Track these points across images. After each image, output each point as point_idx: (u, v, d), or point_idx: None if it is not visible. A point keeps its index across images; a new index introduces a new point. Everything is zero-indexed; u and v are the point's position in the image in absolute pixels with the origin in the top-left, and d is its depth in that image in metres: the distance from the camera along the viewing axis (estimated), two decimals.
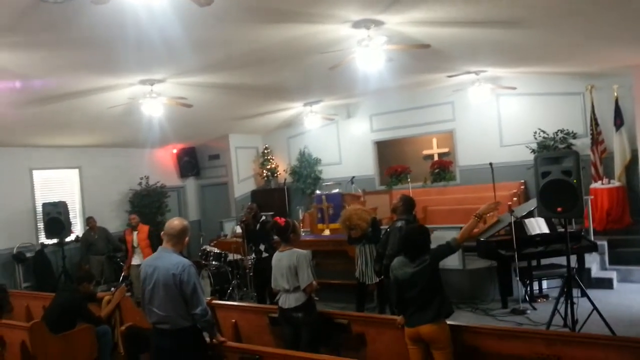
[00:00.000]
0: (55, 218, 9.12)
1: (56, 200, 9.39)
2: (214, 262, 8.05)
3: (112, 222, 10.50)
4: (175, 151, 12.88)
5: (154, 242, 8.02)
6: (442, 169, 10.83)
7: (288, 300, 4.20)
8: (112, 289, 6.22)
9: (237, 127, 11.87)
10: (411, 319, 3.75)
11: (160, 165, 12.54)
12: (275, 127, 12.51)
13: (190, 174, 13.01)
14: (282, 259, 4.27)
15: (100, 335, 4.92)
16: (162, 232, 3.62)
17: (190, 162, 12.85)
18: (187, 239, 3.62)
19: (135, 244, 8.09)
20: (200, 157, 13.02)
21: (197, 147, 12.90)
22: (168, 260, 3.47)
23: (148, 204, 11.43)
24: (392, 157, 11.93)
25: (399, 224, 5.16)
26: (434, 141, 11.58)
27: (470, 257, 7.26)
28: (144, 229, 8.22)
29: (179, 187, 12.98)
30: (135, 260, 8.05)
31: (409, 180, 10.41)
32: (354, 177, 10.16)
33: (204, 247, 8.62)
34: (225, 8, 4.25)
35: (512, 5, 4.77)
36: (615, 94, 8.25)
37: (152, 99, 6.82)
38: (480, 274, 7.11)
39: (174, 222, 3.62)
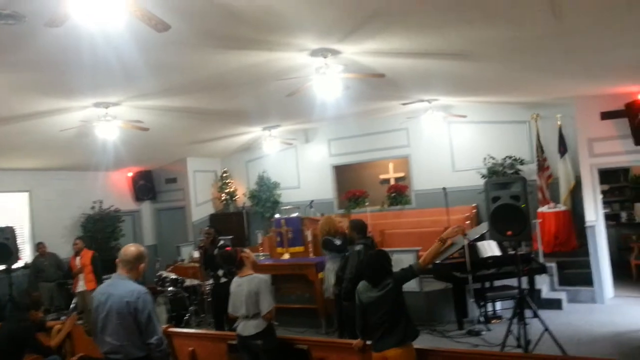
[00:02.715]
0: (2, 244, 8.68)
1: (3, 226, 8.97)
2: (170, 288, 7.87)
3: (63, 247, 10.09)
4: (130, 174, 12.60)
5: (97, 267, 7.99)
6: (399, 193, 11.06)
7: (247, 328, 4.16)
8: (63, 317, 5.97)
9: (195, 150, 11.77)
10: (378, 344, 3.78)
11: (115, 188, 12.23)
12: (233, 151, 12.48)
13: (146, 198, 12.73)
14: (242, 284, 4.25)
15: None
16: (117, 259, 3.54)
17: (146, 186, 12.59)
18: (143, 265, 3.53)
19: (78, 270, 7.97)
20: (157, 180, 12.78)
21: (153, 171, 12.68)
22: (122, 287, 3.39)
23: (101, 229, 11.09)
24: (350, 181, 12.10)
25: (358, 247, 5.24)
26: (391, 166, 11.85)
27: (426, 279, 7.41)
28: (87, 254, 8.10)
29: (134, 211, 12.66)
30: (79, 287, 7.95)
31: (366, 204, 10.57)
32: (312, 201, 10.24)
33: (160, 272, 8.42)
34: (184, 33, 4.28)
35: (462, 40, 5.02)
36: (559, 123, 8.73)
37: (107, 122, 6.71)
38: (436, 296, 7.26)
39: (130, 248, 3.54)
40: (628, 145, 7.47)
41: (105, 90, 6.07)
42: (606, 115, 7.73)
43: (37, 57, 4.55)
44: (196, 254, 8.66)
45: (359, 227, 5.46)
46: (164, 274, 8.19)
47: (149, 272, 9.79)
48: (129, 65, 4.91)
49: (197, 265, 8.07)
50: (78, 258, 8.02)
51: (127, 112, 7.02)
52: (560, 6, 3.90)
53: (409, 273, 3.94)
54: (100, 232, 11.03)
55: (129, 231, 12.09)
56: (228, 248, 4.81)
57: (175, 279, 7.95)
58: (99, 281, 7.41)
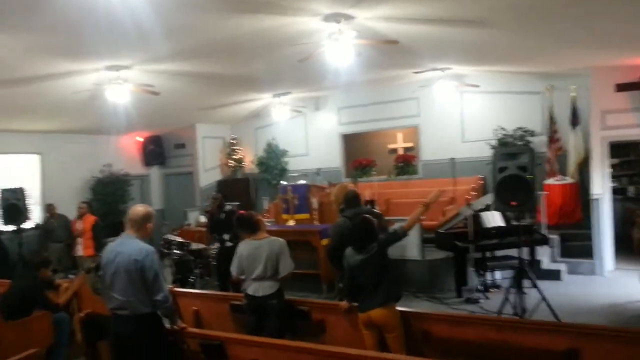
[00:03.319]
0: (14, 204, 8.85)
1: (14, 187, 9.13)
2: (176, 251, 8.02)
3: (73, 210, 10.21)
4: (140, 139, 12.68)
5: (98, 235, 7.95)
6: (406, 163, 11.05)
7: (262, 288, 4.26)
8: (71, 276, 6.14)
9: (204, 116, 11.78)
10: (363, 305, 3.94)
11: (125, 152, 12.34)
12: (243, 118, 12.47)
13: (155, 163, 12.84)
14: (262, 246, 4.32)
15: (57, 322, 4.86)
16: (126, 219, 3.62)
17: (156, 151, 12.69)
18: (150, 225, 3.62)
19: (77, 234, 7.96)
20: (166, 145, 12.86)
21: (162, 136, 12.75)
22: (131, 246, 3.48)
23: (110, 192, 11.25)
24: (358, 150, 12.09)
25: (340, 221, 5.32)
26: (399, 136, 11.80)
27: (429, 248, 7.49)
28: (89, 219, 8.08)
29: (143, 175, 12.80)
30: (76, 252, 7.95)
31: (373, 173, 10.58)
32: (319, 169, 10.27)
33: (166, 236, 8.56)
34: None
35: (477, 5, 4.93)
36: (573, 94, 8.60)
37: (118, 85, 6.72)
38: (437, 264, 7.36)
39: (138, 208, 3.63)
40: None
41: (118, 53, 6.06)
42: (621, 87, 7.60)
43: (51, 19, 4.55)
44: (203, 219, 8.78)
45: (347, 199, 5.51)
46: (171, 237, 8.32)
47: (156, 235, 9.99)
48: (143, 27, 4.88)
49: (203, 229, 8.19)
50: (80, 222, 8.05)
51: (139, 75, 7.02)
52: None
53: (393, 237, 4.13)
54: (110, 196, 11.18)
55: (138, 195, 12.25)
56: (242, 212, 4.87)
57: (181, 242, 8.08)
58: (98, 249, 7.40)
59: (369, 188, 9.80)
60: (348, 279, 4.13)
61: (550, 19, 5.38)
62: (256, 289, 4.28)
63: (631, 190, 10.14)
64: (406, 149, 11.67)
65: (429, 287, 7.15)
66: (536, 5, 4.87)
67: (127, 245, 3.50)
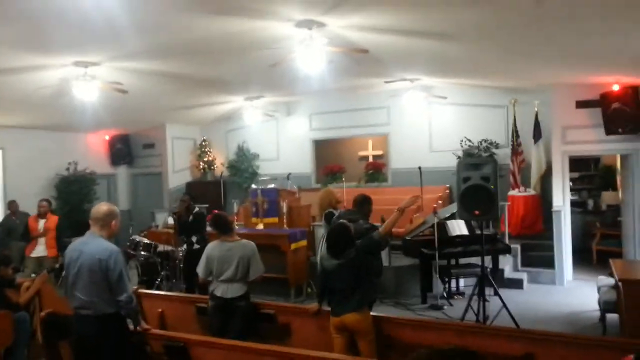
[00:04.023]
0: None
1: None
2: (142, 253, 7.91)
3: (36, 207, 10.01)
4: (107, 137, 12.45)
5: (60, 234, 7.56)
6: (376, 171, 11.20)
7: (231, 290, 4.27)
8: (33, 274, 5.98)
9: (174, 117, 11.66)
10: (336, 309, 3.93)
11: (91, 151, 12.09)
12: (214, 120, 12.40)
13: (122, 162, 12.62)
14: (234, 248, 4.33)
15: (18, 322, 4.74)
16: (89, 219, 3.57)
17: (123, 150, 12.47)
18: (115, 223, 3.58)
19: (39, 233, 7.42)
20: (134, 145, 12.66)
21: (131, 135, 12.54)
22: (95, 245, 3.44)
23: (75, 191, 11.00)
24: (329, 156, 12.19)
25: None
26: (370, 143, 11.96)
27: (395, 255, 7.62)
28: (53, 218, 7.67)
29: (109, 174, 12.56)
30: (36, 252, 7.39)
31: (343, 179, 10.69)
32: (290, 173, 10.30)
33: (133, 237, 8.43)
34: None
35: (445, 20, 5.07)
36: (536, 109, 8.91)
37: (86, 82, 6.60)
38: (404, 271, 7.49)
39: (101, 206, 3.59)
40: (599, 135, 7.71)
41: (86, 48, 5.94)
42: (581, 104, 7.94)
43: (16, 10, 4.44)
44: (170, 221, 8.68)
45: (355, 202, 5.41)
46: (137, 238, 8.20)
47: (123, 236, 9.82)
48: (113, 22, 4.80)
49: (170, 231, 8.10)
50: (42, 221, 7.54)
51: (107, 72, 6.89)
52: None
53: (371, 242, 4.10)
54: (74, 194, 10.93)
55: (104, 195, 12.00)
56: (216, 211, 4.89)
57: (148, 243, 7.97)
58: (60, 249, 7.11)
59: (339, 194, 9.86)
60: (321, 283, 4.13)
61: (515, 37, 5.59)
62: (225, 290, 4.29)
63: (590, 203, 10.54)
64: (376, 157, 11.83)
65: (395, 294, 7.27)
66: (501, 23, 5.05)
67: (91, 244, 3.45)
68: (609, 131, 7.52)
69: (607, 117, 7.50)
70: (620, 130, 7.42)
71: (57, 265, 5.59)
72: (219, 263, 4.32)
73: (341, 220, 4.30)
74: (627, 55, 6.02)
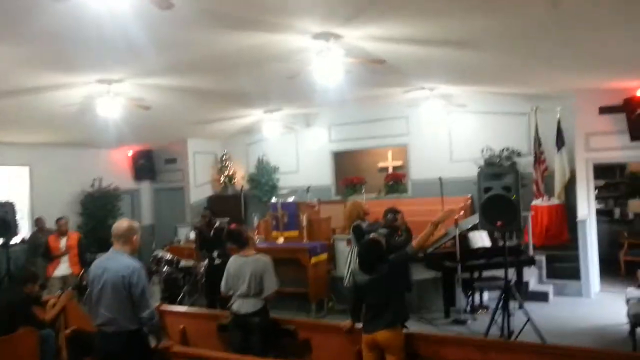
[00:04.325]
0: (2, 218, 8.78)
1: (3, 200, 9.05)
2: (165, 268, 7.99)
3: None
4: (131, 153, 12.68)
5: (83, 251, 7.55)
6: (396, 182, 11.14)
7: (245, 306, 4.28)
8: (59, 291, 6.09)
9: (196, 131, 11.82)
10: (368, 326, 3.87)
11: (115, 167, 12.32)
12: (234, 134, 12.52)
13: (145, 177, 12.82)
14: (246, 264, 4.34)
15: (43, 339, 4.82)
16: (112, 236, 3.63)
17: (146, 165, 12.67)
18: (136, 238, 3.64)
19: (62, 252, 7.34)
20: (157, 160, 12.86)
21: (153, 150, 12.75)
22: (118, 261, 3.50)
23: (100, 207, 11.20)
24: (348, 168, 12.17)
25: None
26: (389, 154, 11.91)
27: (417, 268, 7.52)
28: (74, 235, 7.67)
29: (133, 190, 12.76)
30: (59, 271, 7.28)
31: (363, 191, 10.65)
32: (309, 186, 10.31)
33: (156, 252, 8.53)
34: (187, 12, 4.30)
35: (462, 28, 5.05)
36: (558, 116, 8.75)
37: (110, 99, 6.75)
38: (426, 284, 7.38)
39: (122, 223, 3.66)
40: (624, 141, 7.53)
41: (109, 66, 6.09)
42: (604, 110, 7.77)
43: (42, 31, 4.57)
44: (192, 235, 8.76)
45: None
46: (160, 253, 8.30)
47: (145, 251, 9.96)
48: (134, 42, 4.92)
49: (193, 246, 8.17)
50: (64, 239, 7.46)
51: (130, 89, 7.04)
52: None
53: (404, 256, 4.06)
54: (99, 210, 11.13)
55: (128, 210, 12.20)
56: (232, 225, 4.95)
57: (170, 259, 8.05)
58: (84, 265, 7.14)
59: (366, 206, 9.83)
60: (354, 298, 4.07)
61: (533, 43, 5.52)
62: (240, 305, 4.30)
63: (617, 212, 10.27)
64: (396, 168, 11.77)
65: (418, 308, 7.16)
66: (518, 29, 5.00)
67: (115, 261, 3.51)
68: (634, 137, 7.35)
69: (631, 123, 7.33)
70: None
71: (82, 282, 5.67)
72: (234, 278, 4.34)
73: (372, 235, 4.27)
74: None
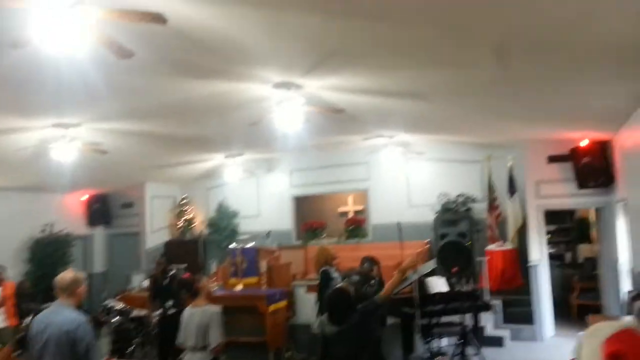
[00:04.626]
0: None
1: None
2: (116, 318, 7.64)
3: (10, 272, 9.70)
4: (85, 197, 12.30)
5: (19, 301, 7.23)
6: (356, 226, 11.19)
7: (194, 359, 4.13)
8: None
9: (154, 175, 11.63)
10: None
11: (68, 211, 11.89)
12: (195, 178, 12.38)
13: (99, 222, 12.40)
14: (194, 315, 4.22)
15: None
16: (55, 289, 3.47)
17: (101, 210, 12.29)
18: (81, 289, 3.48)
19: None
20: (113, 204, 12.50)
21: (109, 194, 12.41)
22: (63, 315, 3.33)
23: (50, 254, 10.71)
24: (309, 212, 12.17)
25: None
26: (350, 199, 12.02)
27: None
28: (9, 285, 7.38)
29: (86, 235, 12.30)
30: None
31: (323, 236, 10.65)
32: (270, 231, 10.24)
33: (106, 301, 8.17)
34: (147, 60, 4.34)
35: (415, 81, 5.28)
36: (509, 164, 9.12)
37: (65, 143, 6.62)
38: (385, 331, 7.30)
39: (65, 275, 3.50)
40: (572, 189, 7.89)
41: (66, 111, 6.01)
42: (553, 159, 8.16)
43: None
44: (147, 283, 8.47)
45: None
46: (111, 303, 7.94)
47: (96, 300, 9.53)
48: (92, 88, 4.90)
49: (146, 294, 7.88)
50: None
51: (87, 133, 6.93)
52: (504, 54, 4.18)
53: (371, 305, 3.97)
54: (49, 257, 10.65)
55: (79, 257, 11.72)
56: (187, 274, 4.84)
57: (121, 309, 7.71)
58: (21, 316, 6.81)
59: (333, 251, 9.80)
60: (322, 350, 3.99)
61: (484, 95, 5.81)
62: (190, 359, 4.15)
63: (568, 256, 10.62)
64: (356, 212, 11.86)
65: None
66: (470, 82, 5.26)
67: (59, 315, 3.34)
68: (581, 185, 7.71)
69: (578, 172, 7.71)
70: (592, 184, 7.62)
71: (22, 334, 5.34)
72: (184, 329, 4.22)
73: (340, 285, 4.22)
74: (591, 113, 6.29)
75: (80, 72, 4.41)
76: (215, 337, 4.15)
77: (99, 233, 12.61)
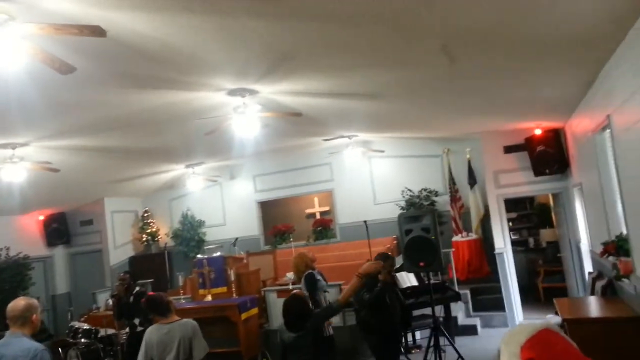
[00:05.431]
0: None
1: None
2: (83, 340, 7.39)
3: None
4: (41, 218, 11.85)
5: None
6: (324, 227, 11.20)
7: None
8: None
9: (113, 190, 11.31)
10: None
11: (24, 233, 11.39)
12: (156, 189, 12.13)
13: (59, 242, 11.95)
14: (173, 330, 4.10)
15: None
16: (6, 318, 3.30)
17: (60, 229, 11.84)
18: (35, 316, 3.31)
19: None
20: (71, 223, 12.07)
21: (67, 213, 11.98)
22: (17, 346, 3.15)
23: (8, 279, 10.25)
24: (276, 217, 12.11)
25: None
26: (316, 200, 12.02)
27: (349, 314, 7.48)
28: None
29: (45, 257, 11.84)
30: None
31: (291, 239, 10.61)
32: (237, 238, 10.13)
33: (72, 323, 7.90)
34: (94, 74, 4.20)
35: (368, 81, 5.29)
36: (468, 156, 9.32)
37: (14, 164, 6.36)
38: (358, 329, 7.33)
39: (18, 302, 3.30)
40: (529, 177, 8.09)
41: (12, 131, 5.76)
42: (509, 149, 8.36)
43: None
44: (111, 302, 8.21)
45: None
46: (77, 324, 7.69)
47: (62, 323, 9.19)
48: (36, 106, 4.74)
49: (112, 313, 7.64)
50: None
51: (37, 152, 6.68)
52: (452, 51, 4.23)
53: (329, 311, 4.02)
54: (7, 282, 10.18)
55: (40, 279, 11.27)
56: (151, 293, 4.66)
57: (88, 329, 7.48)
58: None
59: (288, 255, 9.75)
60: (281, 357, 3.93)
61: (437, 92, 5.89)
62: None
63: (531, 241, 10.92)
64: (323, 213, 11.87)
65: (353, 353, 7.10)
66: (423, 80, 5.32)
67: (12, 346, 3.16)
68: (537, 173, 7.92)
69: (533, 160, 7.92)
70: (547, 171, 7.83)
71: None
72: (159, 348, 4.07)
73: (295, 292, 4.19)
74: (542, 102, 6.46)
75: (22, 91, 4.24)
76: (201, 349, 4.09)
77: (60, 253, 12.16)
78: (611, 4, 3.23)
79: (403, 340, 7.05)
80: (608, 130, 4.74)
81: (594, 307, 5.46)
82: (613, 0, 3.17)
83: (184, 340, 4.06)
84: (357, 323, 5.53)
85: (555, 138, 7.76)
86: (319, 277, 6.10)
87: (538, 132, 7.85)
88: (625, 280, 4.65)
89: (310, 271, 6.12)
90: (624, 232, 4.62)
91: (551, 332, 1.83)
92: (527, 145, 8.00)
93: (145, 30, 3.41)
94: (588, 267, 7.26)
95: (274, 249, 10.97)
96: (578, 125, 6.54)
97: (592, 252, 6.67)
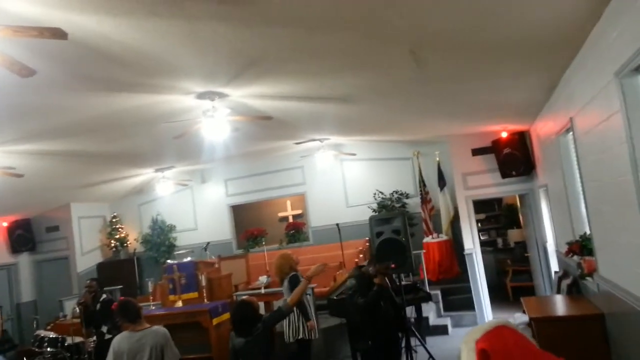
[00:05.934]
0: None
1: None
2: (49, 349, 7.19)
3: None
4: (5, 224, 11.47)
5: None
6: (297, 230, 11.19)
7: None
8: None
9: (79, 195, 11.04)
10: None
11: None
12: (124, 194, 11.90)
13: (23, 249, 11.58)
14: (144, 337, 4.02)
15: None
16: None
17: (24, 236, 11.47)
18: None
19: None
20: (36, 229, 11.71)
21: (32, 219, 11.63)
22: None
23: None
24: (249, 220, 12.03)
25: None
26: (288, 203, 12.00)
27: (322, 316, 7.50)
28: None
29: (9, 264, 11.46)
30: None
31: (264, 243, 10.56)
32: (208, 243, 10.02)
33: (37, 332, 7.66)
34: (57, 77, 4.10)
35: (338, 85, 5.31)
36: (437, 159, 9.47)
37: None
38: (332, 331, 7.37)
39: None
40: (496, 178, 8.28)
41: None
42: (476, 152, 8.54)
43: None
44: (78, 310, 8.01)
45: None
46: (42, 333, 7.47)
47: (27, 332, 8.91)
48: None
49: (79, 321, 7.46)
50: None
51: None
52: (419, 55, 4.29)
53: (277, 315, 4.06)
54: None
55: (4, 287, 10.93)
56: (121, 298, 4.56)
57: (54, 338, 7.26)
58: None
59: (261, 258, 9.71)
60: None
61: (407, 96, 5.96)
62: None
63: (500, 242, 11.15)
64: (296, 216, 11.86)
65: (327, 356, 7.11)
66: (391, 85, 5.37)
67: None
68: (504, 174, 8.11)
69: (500, 162, 8.10)
70: (514, 173, 8.03)
71: None
72: (129, 356, 3.99)
73: (242, 297, 4.21)
74: (508, 106, 6.62)
75: None
76: (173, 357, 4.05)
77: (25, 260, 11.79)
78: (571, 11, 3.33)
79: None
80: (571, 133, 4.88)
81: (559, 305, 5.60)
82: (572, 6, 3.27)
83: (155, 349, 4.00)
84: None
85: (521, 141, 7.96)
86: (302, 279, 6.08)
87: (504, 135, 8.04)
88: (589, 279, 4.79)
89: (294, 273, 6.10)
90: (588, 232, 4.76)
91: (505, 328, 1.91)
92: (494, 148, 8.18)
93: (110, 33, 3.35)
94: (554, 266, 7.45)
95: (247, 253, 10.89)
96: (542, 128, 6.72)
97: (557, 251, 6.85)
